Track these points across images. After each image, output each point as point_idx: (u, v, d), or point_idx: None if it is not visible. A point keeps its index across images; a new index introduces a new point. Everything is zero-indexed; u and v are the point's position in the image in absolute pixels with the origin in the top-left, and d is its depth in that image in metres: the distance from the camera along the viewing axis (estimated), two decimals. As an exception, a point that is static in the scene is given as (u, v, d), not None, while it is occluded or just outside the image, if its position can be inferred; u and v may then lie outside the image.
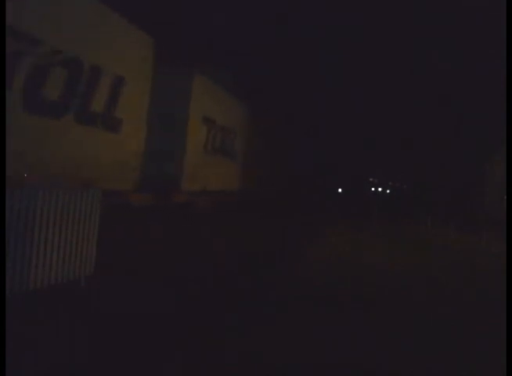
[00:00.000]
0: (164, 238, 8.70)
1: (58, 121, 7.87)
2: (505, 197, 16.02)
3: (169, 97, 11.19)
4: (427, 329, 5.06)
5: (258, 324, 4.77)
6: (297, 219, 15.66)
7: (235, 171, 16.66)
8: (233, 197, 15.73)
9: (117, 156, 9.73)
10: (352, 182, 38.53)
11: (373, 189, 47.97)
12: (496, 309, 5.76)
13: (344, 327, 4.96)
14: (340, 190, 37.32)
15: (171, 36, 11.08)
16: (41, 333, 4.03)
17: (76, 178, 7.54)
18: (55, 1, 7.59)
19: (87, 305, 4.88)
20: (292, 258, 8.61)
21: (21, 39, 6.70)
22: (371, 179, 47.59)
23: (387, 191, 50.92)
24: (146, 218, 9.38)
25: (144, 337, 4.18)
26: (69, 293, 5.08)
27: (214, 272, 6.89)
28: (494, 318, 5.46)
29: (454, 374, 4.08)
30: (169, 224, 9.79)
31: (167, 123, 11.35)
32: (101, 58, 8.83)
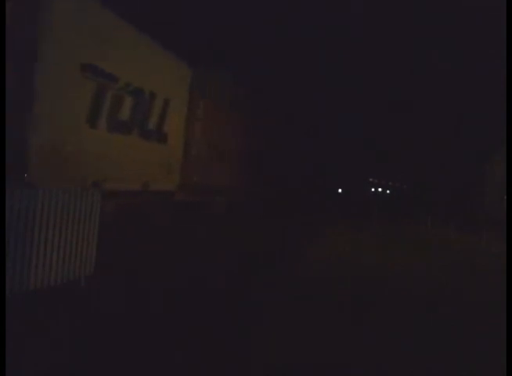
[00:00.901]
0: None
1: None
2: (505, 197, 16.02)
3: None
4: (427, 329, 5.06)
5: (258, 324, 4.77)
6: (297, 219, 15.65)
7: (171, 160, 10.77)
8: (170, 198, 10.91)
9: None
10: (352, 182, 38.52)
11: (373, 189, 48.01)
12: (496, 309, 5.76)
13: (343, 326, 4.96)
14: (340, 190, 37.31)
15: None
16: (41, 333, 4.03)
17: None
18: None
19: (87, 305, 4.88)
20: (292, 259, 8.61)
21: None
22: (371, 179, 47.60)
23: (387, 191, 50.95)
24: None
25: (143, 337, 4.18)
26: (69, 293, 5.08)
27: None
28: (494, 318, 5.46)
29: (454, 374, 4.08)
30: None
31: None
32: None
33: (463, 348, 4.55)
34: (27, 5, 6.44)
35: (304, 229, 13.43)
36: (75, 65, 7.19)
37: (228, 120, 14.26)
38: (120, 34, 8.23)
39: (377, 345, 4.50)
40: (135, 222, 9.05)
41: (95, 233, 5.54)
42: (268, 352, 4.11)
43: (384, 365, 4.06)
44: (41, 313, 4.43)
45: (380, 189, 49.41)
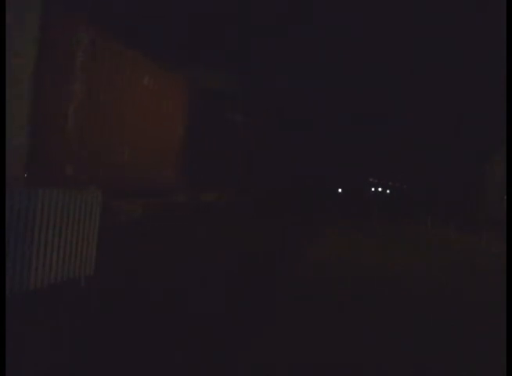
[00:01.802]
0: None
1: None
2: (505, 197, 16.03)
3: None
4: (426, 329, 5.05)
5: (258, 325, 4.77)
6: (297, 219, 15.64)
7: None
8: None
9: None
10: (352, 182, 38.56)
11: (373, 189, 48.08)
12: (496, 309, 5.76)
13: (343, 327, 4.96)
14: (340, 190, 37.36)
15: None
16: (41, 333, 4.03)
17: None
18: None
19: (87, 305, 4.88)
20: (292, 259, 8.60)
21: None
22: (371, 179, 47.67)
23: (387, 191, 51.00)
24: None
25: (144, 336, 4.18)
26: (69, 293, 5.08)
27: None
28: (494, 318, 5.46)
29: (454, 374, 4.08)
30: None
31: None
32: None
33: (463, 348, 4.55)
34: None
35: (304, 229, 13.43)
36: None
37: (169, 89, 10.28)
38: None
39: (377, 345, 4.50)
40: None
41: (95, 233, 5.54)
42: (268, 352, 4.11)
43: (384, 365, 4.06)
44: (41, 313, 4.43)
45: (380, 189, 49.48)
